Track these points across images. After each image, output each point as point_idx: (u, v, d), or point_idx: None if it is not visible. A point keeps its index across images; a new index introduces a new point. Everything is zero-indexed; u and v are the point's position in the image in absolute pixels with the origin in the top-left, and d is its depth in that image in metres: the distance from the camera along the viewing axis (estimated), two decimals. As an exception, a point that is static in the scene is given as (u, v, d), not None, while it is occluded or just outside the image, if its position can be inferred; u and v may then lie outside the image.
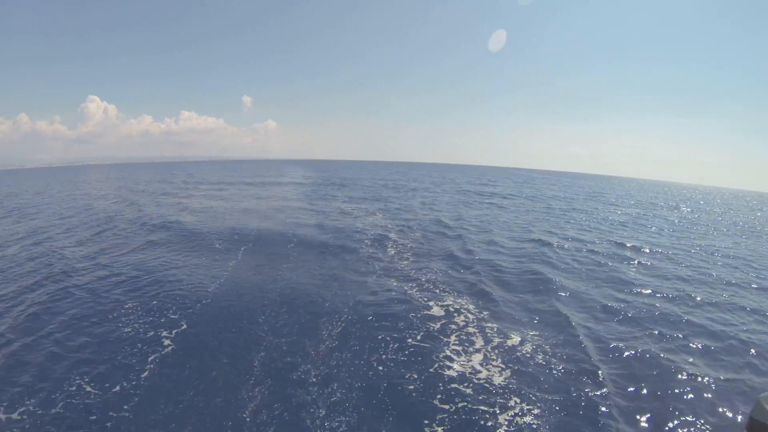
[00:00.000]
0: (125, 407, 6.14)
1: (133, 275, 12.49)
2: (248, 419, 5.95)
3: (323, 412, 6.16)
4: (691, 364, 8.15)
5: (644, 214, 36.03)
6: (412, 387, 6.95)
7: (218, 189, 43.06)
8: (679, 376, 7.59)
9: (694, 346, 9.02)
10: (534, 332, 9.24)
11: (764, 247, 22.94)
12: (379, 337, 8.67)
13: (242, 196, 35.13)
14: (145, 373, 7.09)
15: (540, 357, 8.13)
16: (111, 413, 6.01)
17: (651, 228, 27.42)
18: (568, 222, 27.07)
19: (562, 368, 7.74)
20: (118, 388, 6.61)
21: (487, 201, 38.72)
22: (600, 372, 7.55)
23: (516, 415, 6.36)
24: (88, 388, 6.58)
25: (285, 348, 8.04)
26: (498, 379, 7.29)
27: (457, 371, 7.48)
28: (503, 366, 7.75)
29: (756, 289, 13.98)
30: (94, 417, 5.93)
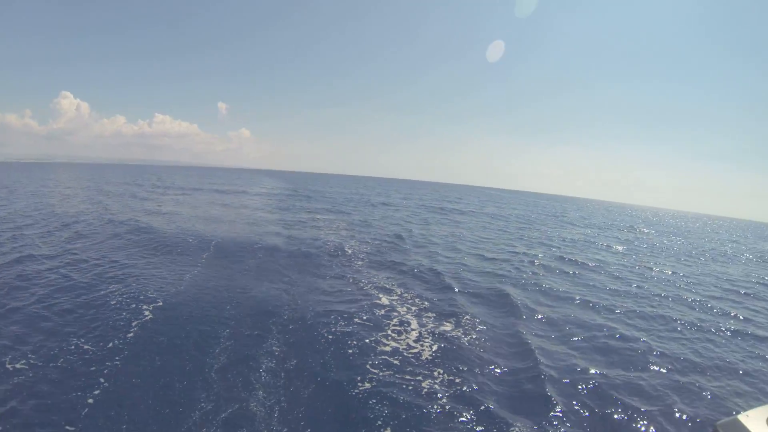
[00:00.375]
0: (117, 359, 7.44)
1: (104, 265, 13.55)
2: (215, 377, 7.23)
3: (279, 371, 7.59)
4: (595, 361, 9.53)
5: (599, 234, 38.69)
6: (351, 351, 8.55)
7: (188, 195, 43.80)
8: (580, 370, 8.86)
9: (603, 345, 10.51)
10: (465, 322, 10.90)
11: (706, 269, 25.28)
12: (331, 317, 10.27)
13: (211, 203, 36.01)
14: (131, 334, 8.42)
15: (466, 341, 9.72)
16: (107, 363, 7.29)
17: (600, 246, 29.86)
18: (521, 238, 29.33)
19: (483, 351, 9.30)
20: (111, 344, 7.91)
21: (446, 216, 41.17)
22: (512, 357, 9.15)
23: (436, 382, 7.81)
24: (86, 346, 7.83)
25: (249, 322, 9.52)
26: (426, 354, 8.86)
27: (392, 346, 9.06)
28: (432, 344, 9.36)
29: (679, 302, 15.75)
30: (94, 368, 7.18)
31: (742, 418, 2.66)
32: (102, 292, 10.76)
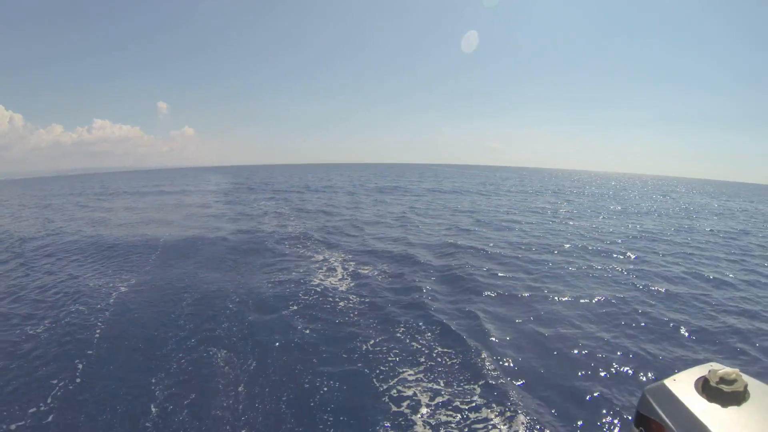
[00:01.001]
0: (105, 315, 9.99)
1: (55, 265, 15.20)
2: (184, 322, 9.70)
3: (232, 310, 10.38)
4: (482, 302, 11.10)
5: (526, 199, 43.01)
6: (287, 289, 11.67)
7: (132, 199, 44.12)
8: (462, 307, 10.55)
9: (508, 294, 11.88)
10: (381, 270, 13.88)
11: (622, 221, 27.93)
12: (272, 270, 13.50)
13: (158, 205, 36.88)
14: (112, 300, 11.03)
15: (379, 281, 12.72)
16: (100, 318, 9.84)
17: (527, 211, 32.66)
18: (455, 208, 32.81)
19: (393, 288, 12.04)
20: (99, 305, 10.51)
21: (381, 194, 44.80)
22: (418, 291, 11.67)
23: (350, 302, 10.82)
24: (81, 308, 10.40)
25: (206, 287, 12.16)
26: (342, 287, 12.00)
27: (318, 282, 12.28)
28: (350, 282, 12.56)
29: (578, 250, 17.72)
30: (92, 321, 9.72)
31: (669, 382, 2.56)
32: (77, 280, 13.07)
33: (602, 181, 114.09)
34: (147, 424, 6.26)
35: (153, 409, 6.57)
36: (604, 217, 30.18)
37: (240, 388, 7.14)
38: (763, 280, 14.27)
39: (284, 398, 6.86)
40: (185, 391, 7.07)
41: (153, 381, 7.31)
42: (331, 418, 6.35)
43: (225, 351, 8.30)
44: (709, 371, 2.36)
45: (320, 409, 6.55)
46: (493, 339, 8.86)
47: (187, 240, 19.07)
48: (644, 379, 7.40)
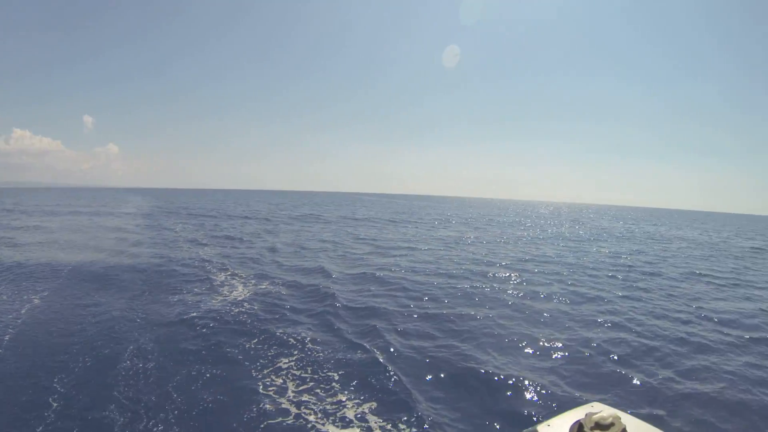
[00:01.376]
0: (15, 326, 10.95)
1: None
2: (85, 350, 10.93)
3: (135, 316, 11.87)
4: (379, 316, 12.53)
5: (441, 228, 44.99)
6: (189, 303, 13.25)
7: (46, 218, 42.65)
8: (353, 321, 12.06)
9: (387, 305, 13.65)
10: (276, 289, 15.49)
11: (520, 249, 29.67)
12: (179, 288, 14.99)
13: (73, 226, 35.84)
14: (23, 311, 12.05)
15: (272, 298, 14.25)
16: (10, 329, 10.74)
17: (431, 239, 33.95)
18: (357, 235, 34.45)
19: (282, 304, 13.58)
20: (10, 316, 11.50)
21: (296, 221, 46.84)
22: (303, 307, 13.45)
23: (243, 313, 12.44)
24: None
25: (112, 303, 13.25)
26: (239, 300, 13.83)
27: (219, 299, 13.99)
28: (253, 297, 14.19)
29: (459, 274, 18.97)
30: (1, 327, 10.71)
31: (543, 428, 2.56)
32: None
33: (521, 209, 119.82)
34: (49, 413, 7.15)
35: (53, 403, 7.46)
36: (504, 243, 32.06)
37: (137, 383, 8.32)
38: (637, 294, 16.19)
39: (172, 387, 8.16)
40: (86, 383, 8.21)
41: (56, 380, 8.21)
42: (211, 398, 7.86)
43: (128, 352, 9.64)
44: (586, 415, 2.32)
45: (203, 395, 7.93)
46: (358, 343, 10.48)
47: (95, 262, 19.41)
48: (482, 377, 8.72)
